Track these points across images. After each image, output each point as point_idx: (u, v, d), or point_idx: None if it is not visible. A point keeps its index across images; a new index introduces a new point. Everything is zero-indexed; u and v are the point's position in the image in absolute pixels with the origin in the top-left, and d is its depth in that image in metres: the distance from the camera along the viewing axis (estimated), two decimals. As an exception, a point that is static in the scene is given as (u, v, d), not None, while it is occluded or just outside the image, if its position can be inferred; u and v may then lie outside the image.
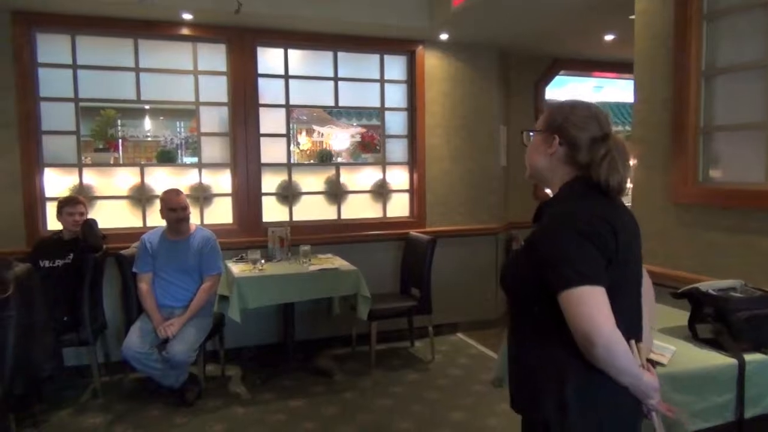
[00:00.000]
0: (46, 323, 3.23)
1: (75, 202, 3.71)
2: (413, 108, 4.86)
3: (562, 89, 9.15)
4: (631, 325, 1.38)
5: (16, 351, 2.86)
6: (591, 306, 1.25)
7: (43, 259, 3.61)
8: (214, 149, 4.44)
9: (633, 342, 1.36)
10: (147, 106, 8.71)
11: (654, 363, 1.65)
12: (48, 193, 4.01)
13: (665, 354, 1.87)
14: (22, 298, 2.95)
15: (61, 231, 3.75)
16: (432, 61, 4.84)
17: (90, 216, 3.87)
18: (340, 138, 7.21)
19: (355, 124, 7.17)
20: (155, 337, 3.47)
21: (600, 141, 1.38)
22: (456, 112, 4.93)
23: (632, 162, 1.60)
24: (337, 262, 4.14)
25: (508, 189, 5.44)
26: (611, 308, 1.27)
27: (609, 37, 4.78)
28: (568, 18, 4.21)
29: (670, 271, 2.82)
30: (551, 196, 1.46)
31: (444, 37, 4.66)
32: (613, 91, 11.47)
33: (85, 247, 3.60)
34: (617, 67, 5.81)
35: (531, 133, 1.51)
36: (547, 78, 5.62)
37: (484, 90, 5.03)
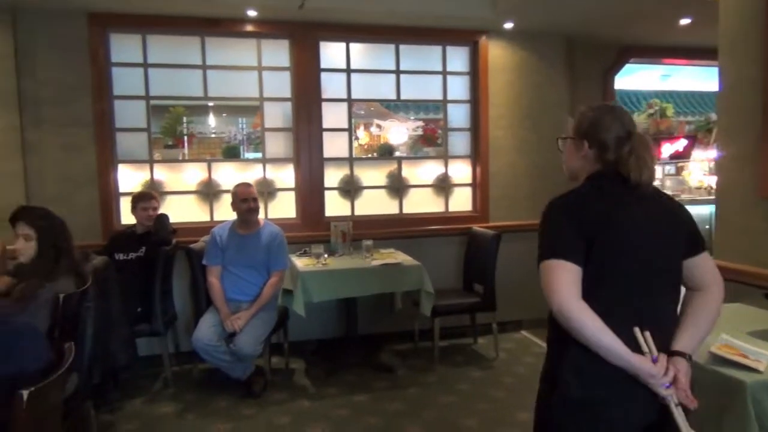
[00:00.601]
0: (122, 314, 3.36)
1: (149, 198, 3.83)
2: (476, 100, 4.75)
3: (630, 77, 8.73)
4: (640, 322, 1.43)
5: (94, 341, 2.97)
6: (551, 276, 1.39)
7: (118, 252, 3.74)
8: (277, 144, 4.49)
9: (636, 329, 1.42)
10: (211, 103, 9.00)
11: (747, 361, 1.63)
12: (122, 188, 4.16)
13: (761, 360, 1.73)
14: (100, 290, 3.06)
15: (134, 225, 3.88)
16: (496, 51, 4.71)
17: (161, 211, 3.98)
18: (398, 132, 7.18)
19: (412, 117, 7.13)
20: (223, 330, 3.53)
21: (625, 139, 1.50)
22: (521, 104, 4.79)
23: (656, 156, 1.66)
24: (400, 257, 4.10)
25: (573, 182, 5.23)
26: (599, 287, 1.40)
27: (684, 21, 4.51)
28: (641, 2, 3.99)
29: (761, 270, 2.62)
30: None
31: (508, 25, 4.53)
32: (681, 80, 10.92)
33: (157, 240, 3.71)
34: (691, 53, 5.49)
35: (562, 141, 1.66)
36: (616, 66, 5.37)
37: (550, 80, 4.86)
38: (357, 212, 4.64)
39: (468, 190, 4.87)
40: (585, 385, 1.43)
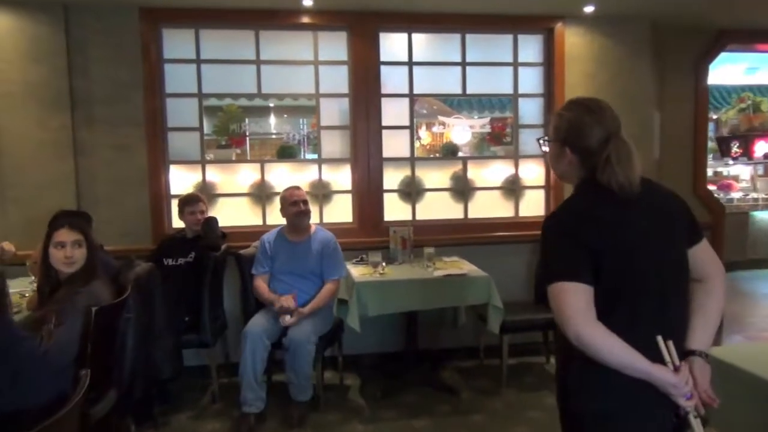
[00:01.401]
0: (167, 324, 3.16)
1: (195, 201, 3.63)
2: (550, 93, 4.31)
3: (712, 72, 7.91)
4: (658, 326, 1.39)
5: (135, 353, 2.78)
6: (564, 301, 1.33)
7: (167, 258, 3.56)
8: (334, 143, 4.21)
9: (659, 338, 1.37)
10: (271, 104, 8.91)
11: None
12: (173, 190, 4.00)
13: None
14: (142, 299, 2.87)
15: (184, 229, 3.69)
16: (573, 39, 4.25)
17: (211, 214, 3.78)
18: (462, 131, 6.77)
19: (476, 117, 6.70)
20: (275, 330, 3.28)
21: (604, 143, 1.42)
22: (601, 97, 4.24)
23: (637, 158, 1.47)
24: (465, 267, 3.73)
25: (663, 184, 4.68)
26: (616, 302, 1.35)
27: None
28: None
29: None
30: None
31: (588, 9, 4.06)
32: None
33: (205, 245, 3.50)
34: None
35: (542, 141, 1.62)
36: (710, 54, 4.77)
37: (635, 70, 4.34)
38: (418, 217, 4.30)
39: (540, 193, 4.43)
40: (598, 398, 1.39)
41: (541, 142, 1.63)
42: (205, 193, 4.02)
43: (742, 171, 8.70)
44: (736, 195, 7.84)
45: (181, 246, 3.61)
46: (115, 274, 2.77)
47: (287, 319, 3.27)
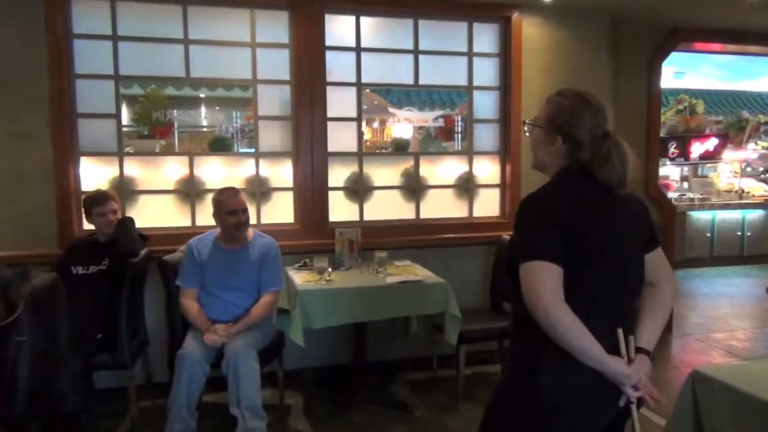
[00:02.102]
0: (73, 346, 2.65)
1: (104, 200, 3.12)
2: (507, 86, 4.06)
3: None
4: (617, 319, 1.44)
5: (30, 383, 2.29)
6: (536, 279, 1.35)
7: (76, 265, 3.05)
8: (273, 136, 3.79)
9: (620, 330, 1.43)
10: (202, 95, 8.31)
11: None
12: (84, 186, 3.45)
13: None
14: (40, 317, 2.37)
15: (95, 232, 3.18)
16: (530, 30, 4.02)
17: (130, 214, 3.29)
18: (403, 126, 6.45)
19: (413, 110, 6.37)
20: (214, 352, 2.84)
21: (600, 139, 1.43)
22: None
23: (631, 156, 1.48)
24: (419, 272, 3.41)
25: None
26: (578, 286, 1.37)
27: (754, -3, 3.83)
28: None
29: None
30: None
31: (547, -1, 3.83)
32: (696, 78, 10.19)
33: (120, 251, 3.01)
34: (759, 38, 4.79)
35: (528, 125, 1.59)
36: (663, 50, 4.67)
37: (592, 65, 4.17)
38: (366, 217, 3.95)
39: (495, 192, 4.18)
40: (552, 390, 1.40)
41: (527, 126, 1.59)
42: (124, 190, 3.52)
43: (672, 171, 8.89)
44: (673, 195, 7.95)
45: (92, 251, 3.09)
46: (3, 288, 2.28)
47: (213, 337, 2.84)
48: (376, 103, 8.58)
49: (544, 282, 1.35)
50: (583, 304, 1.37)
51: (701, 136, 8.01)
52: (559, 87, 4.15)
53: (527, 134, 1.60)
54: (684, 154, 7.99)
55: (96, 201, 3.10)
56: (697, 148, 7.95)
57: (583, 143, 1.45)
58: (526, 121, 1.60)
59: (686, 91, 8.94)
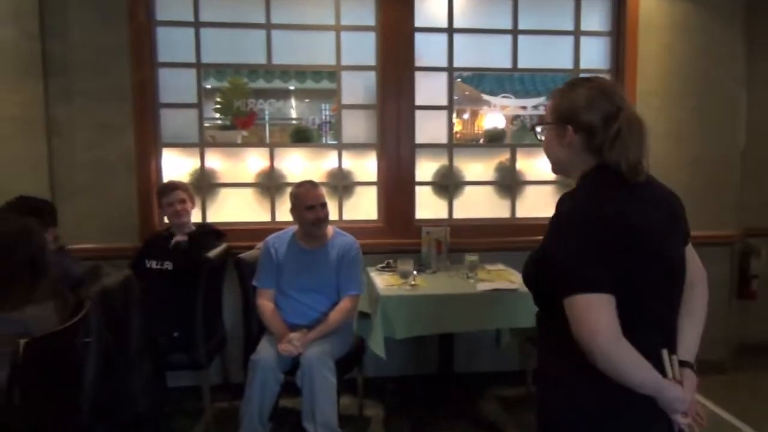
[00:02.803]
0: (146, 346, 2.54)
1: (171, 189, 3.00)
2: (619, 69, 3.57)
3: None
4: (660, 331, 1.31)
5: (97, 387, 2.17)
6: (589, 314, 1.18)
7: (150, 259, 2.95)
8: (357, 126, 3.54)
9: (665, 352, 1.29)
10: (291, 87, 8.25)
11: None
12: (166, 178, 3.36)
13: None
14: (109, 318, 2.25)
15: (171, 226, 3.08)
16: (649, 4, 3.50)
17: (211, 207, 3.17)
18: (495, 117, 5.99)
19: (510, 97, 5.81)
20: (290, 358, 2.64)
21: (613, 118, 1.27)
22: (681, 74, 3.54)
23: (648, 136, 1.29)
24: (515, 278, 3.04)
25: (744, 181, 3.92)
26: (629, 312, 1.21)
27: None
28: None
29: None
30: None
31: (672, -34, 3.31)
32: None
33: (188, 253, 2.89)
34: None
35: (540, 128, 1.44)
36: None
37: (724, 43, 3.58)
38: (456, 215, 3.62)
39: (603, 189, 3.70)
40: (599, 422, 1.26)
41: (538, 129, 1.44)
42: (204, 183, 3.40)
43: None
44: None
45: (166, 246, 2.99)
46: (74, 284, 2.17)
47: (287, 349, 2.61)
48: (467, 93, 8.17)
49: (601, 318, 1.18)
50: (628, 323, 1.21)
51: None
52: (683, 69, 3.55)
53: (540, 140, 1.43)
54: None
55: (163, 191, 3.01)
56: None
57: (595, 127, 1.28)
58: (535, 125, 1.47)
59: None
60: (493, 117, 6.09)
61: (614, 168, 1.27)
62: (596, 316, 1.18)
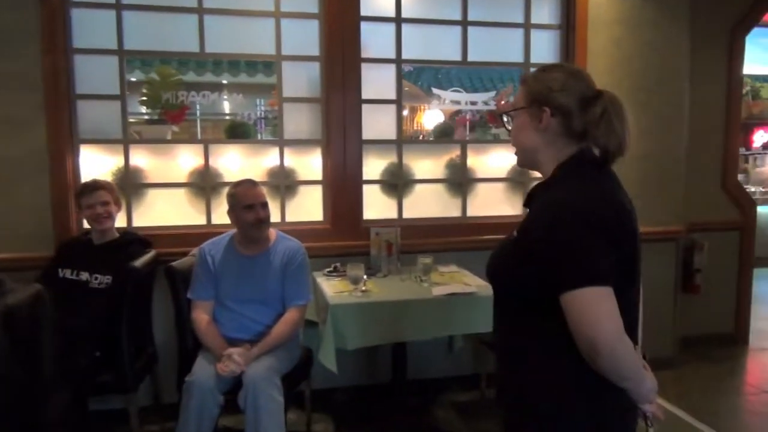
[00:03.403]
0: (61, 372, 2.22)
1: (92, 189, 2.66)
2: (569, 63, 3.49)
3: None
4: (634, 323, 1.28)
5: (2, 423, 1.86)
6: (597, 309, 1.12)
7: (63, 268, 2.61)
8: (300, 121, 3.30)
9: (638, 347, 1.28)
10: (224, 81, 7.85)
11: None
12: (85, 178, 3.00)
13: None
14: (15, 344, 1.92)
15: (89, 231, 2.74)
16: (598, -3, 3.45)
17: (138, 210, 2.84)
18: (434, 114, 5.86)
19: (461, 91, 5.66)
20: (230, 378, 2.37)
21: (592, 100, 1.24)
22: (631, 69, 3.51)
23: (628, 119, 1.25)
24: (469, 280, 2.91)
25: (687, 175, 3.95)
26: (622, 306, 1.14)
27: None
28: None
29: None
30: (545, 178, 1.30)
31: (621, -42, 3.25)
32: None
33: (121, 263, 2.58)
34: None
35: (508, 116, 1.38)
36: (746, 23, 4.05)
37: (670, 38, 3.57)
38: (406, 215, 3.44)
39: (554, 187, 3.63)
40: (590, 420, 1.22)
41: (507, 118, 1.37)
42: (130, 183, 3.07)
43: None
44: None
45: (86, 253, 2.65)
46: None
47: (227, 368, 2.33)
48: (407, 89, 8.02)
49: (609, 313, 1.12)
50: (624, 317, 1.17)
51: (766, 123, 7.32)
52: (633, 64, 3.53)
53: (508, 128, 1.37)
54: (746, 143, 7.32)
55: (83, 190, 2.66)
56: (760, 137, 7.28)
57: (572, 110, 1.25)
58: (502, 113, 1.40)
59: (748, 76, 8.20)
60: (433, 114, 5.96)
61: (590, 155, 1.26)
62: (604, 310, 1.12)
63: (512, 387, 1.32)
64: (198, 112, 6.89)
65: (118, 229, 2.79)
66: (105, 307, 2.53)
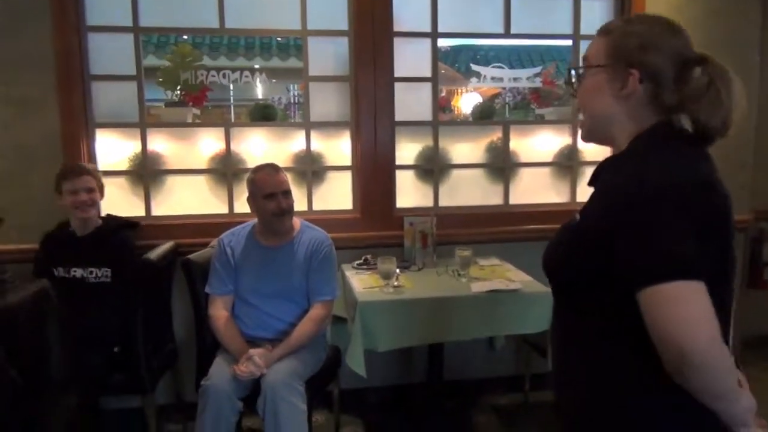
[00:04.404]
0: (69, 378, 2.05)
1: (77, 173, 2.45)
2: (624, 35, 3.16)
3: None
4: (726, 329, 1.02)
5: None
6: (687, 309, 0.90)
7: (56, 266, 2.43)
8: (328, 102, 3.06)
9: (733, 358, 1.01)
10: (256, 66, 7.68)
11: None
12: (102, 165, 2.84)
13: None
14: (17, 350, 1.75)
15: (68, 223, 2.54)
16: (657, -41, 3.10)
17: (156, 198, 2.66)
18: (471, 96, 5.56)
19: (503, 67, 5.25)
20: (248, 382, 2.17)
21: (694, 65, 1.01)
22: (694, 41, 3.13)
23: (738, 91, 1.00)
24: (512, 275, 2.64)
25: (755, 160, 3.58)
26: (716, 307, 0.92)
27: None
28: None
29: None
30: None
31: None
32: None
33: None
34: None
35: (576, 72, 1.14)
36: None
37: (739, 5, 3.20)
38: (442, 203, 3.18)
39: (605, 171, 3.31)
40: None
41: (576, 72, 1.12)
42: (148, 169, 2.89)
43: None
44: None
45: (72, 247, 2.46)
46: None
47: (246, 371, 2.13)
48: (443, 72, 7.70)
49: (701, 313, 0.90)
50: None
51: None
52: (694, 35, 3.10)
53: (575, 87, 1.14)
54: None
55: (66, 174, 2.44)
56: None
57: (667, 76, 1.02)
58: (572, 68, 1.14)
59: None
60: (471, 98, 5.66)
61: (680, 127, 1.04)
62: (697, 310, 0.91)
63: (571, 406, 1.12)
64: (232, 98, 6.75)
65: (101, 218, 2.59)
66: (113, 303, 2.35)
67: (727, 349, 0.95)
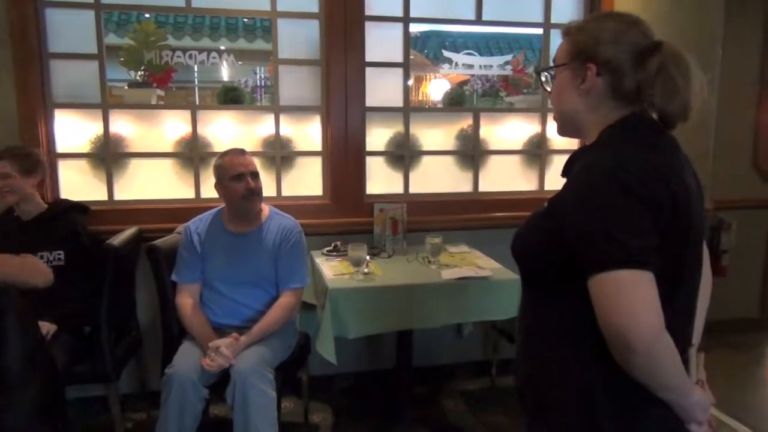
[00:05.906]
0: (31, 369, 1.98)
1: None
2: (593, 25, 3.19)
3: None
4: (686, 325, 1.09)
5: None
6: (633, 298, 0.92)
7: (7, 253, 2.32)
8: (297, 86, 3.01)
9: (694, 349, 1.10)
10: (222, 47, 7.49)
11: None
12: (60, 148, 2.74)
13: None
14: None
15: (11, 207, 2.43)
16: (627, -49, 3.13)
17: (120, 182, 2.57)
18: (439, 83, 5.55)
19: (474, 54, 5.33)
20: (211, 373, 2.13)
21: (648, 53, 1.03)
22: (659, 32, 3.12)
23: (696, 76, 1.03)
24: (482, 262, 2.66)
25: (715, 151, 3.68)
26: (663, 301, 0.93)
27: None
28: None
29: None
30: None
31: None
32: None
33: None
34: None
35: (546, 73, 1.20)
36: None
37: (702, 1, 3.27)
38: (413, 189, 3.17)
39: (573, 160, 3.36)
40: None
41: (545, 75, 1.19)
42: (110, 152, 2.80)
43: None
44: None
45: (19, 232, 2.36)
46: None
47: (215, 364, 2.09)
48: (412, 57, 7.67)
49: (647, 303, 0.92)
50: (668, 312, 0.95)
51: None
52: (661, 27, 3.15)
53: (548, 89, 1.19)
54: None
55: None
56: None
57: (622, 66, 1.04)
58: (541, 71, 1.21)
59: None
60: (440, 84, 5.64)
61: (646, 118, 1.07)
62: (641, 299, 0.92)
63: (533, 387, 1.14)
64: (196, 80, 6.57)
65: (48, 203, 2.49)
66: (75, 286, 2.28)
67: (670, 339, 0.95)
